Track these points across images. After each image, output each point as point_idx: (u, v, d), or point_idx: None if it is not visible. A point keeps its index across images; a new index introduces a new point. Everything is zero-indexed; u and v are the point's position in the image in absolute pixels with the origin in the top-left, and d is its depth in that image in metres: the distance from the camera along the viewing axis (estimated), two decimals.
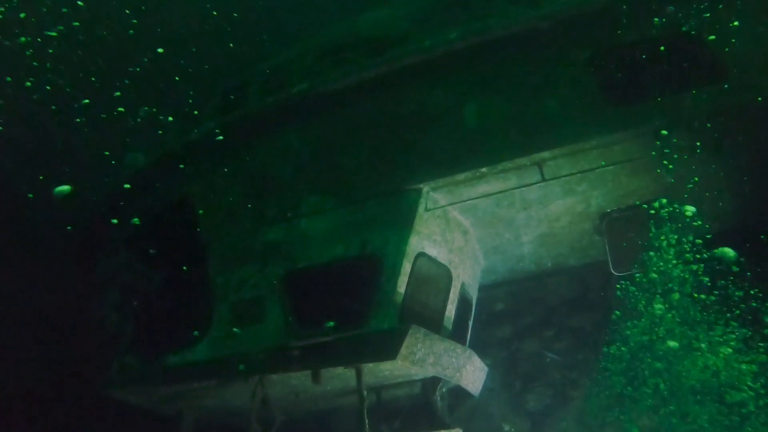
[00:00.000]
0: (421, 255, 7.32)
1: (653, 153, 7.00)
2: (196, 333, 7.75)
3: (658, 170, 7.29)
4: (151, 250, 8.74)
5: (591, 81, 6.91)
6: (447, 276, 7.88)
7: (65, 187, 8.95)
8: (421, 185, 7.37)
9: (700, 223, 7.80)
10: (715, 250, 7.78)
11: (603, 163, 7.14)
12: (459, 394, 8.74)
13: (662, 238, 8.12)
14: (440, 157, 7.30)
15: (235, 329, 7.55)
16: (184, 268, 8.50)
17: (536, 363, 11.05)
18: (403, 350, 6.45)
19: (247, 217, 8.25)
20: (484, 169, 7.15)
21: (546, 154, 6.97)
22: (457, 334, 8.34)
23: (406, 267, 7.09)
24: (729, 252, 7.65)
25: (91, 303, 8.64)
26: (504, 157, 7.03)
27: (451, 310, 7.88)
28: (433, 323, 7.49)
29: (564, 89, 7.02)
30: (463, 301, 8.69)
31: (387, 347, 6.51)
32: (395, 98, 7.73)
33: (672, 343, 8.93)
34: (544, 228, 8.83)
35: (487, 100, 7.31)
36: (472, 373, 7.98)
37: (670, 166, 7.02)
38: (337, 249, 7.47)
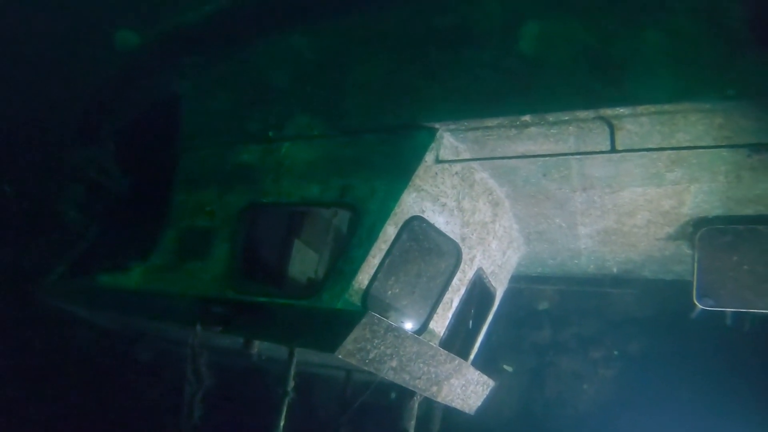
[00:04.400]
0: (415, 219, 5.31)
1: None
2: (136, 256, 6.36)
3: None
4: (127, 150, 7.42)
5: (733, 9, 4.33)
6: (454, 256, 5.83)
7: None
8: (437, 125, 5.25)
9: None
10: None
11: (713, 141, 4.63)
12: None
13: None
14: (470, 91, 5.12)
15: (176, 262, 6.08)
16: (151, 178, 7.10)
17: (569, 386, 8.79)
18: (349, 344, 4.60)
19: (226, 129, 6.60)
20: (527, 117, 4.89)
21: (623, 111, 4.57)
22: (456, 336, 6.36)
23: (389, 231, 5.12)
24: None
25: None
26: (559, 105, 4.73)
27: (450, 302, 5.87)
28: (414, 316, 5.55)
29: (681, 19, 4.50)
30: (478, 294, 6.62)
31: (329, 334, 4.69)
32: (435, 5, 5.59)
33: None
34: (611, 222, 6.41)
35: (557, 21, 4.97)
36: (459, 388, 6.01)
37: None
38: (312, 188, 5.64)
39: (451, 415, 7.59)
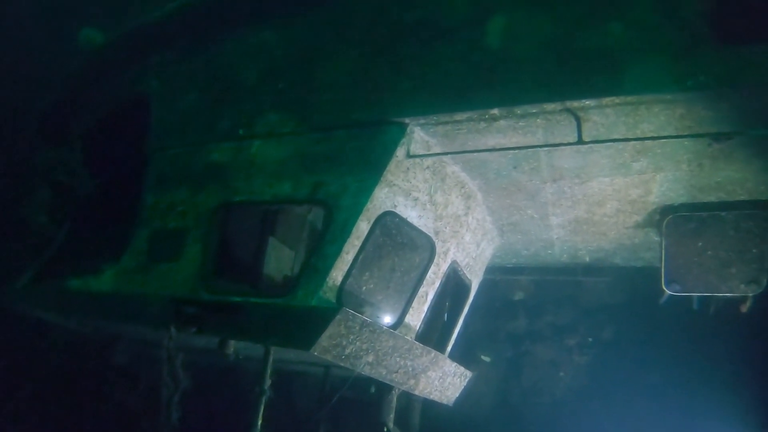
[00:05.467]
0: (388, 214, 5.33)
1: (762, 130, 4.53)
2: (107, 259, 6.26)
3: None
4: (95, 151, 7.27)
5: (690, 2, 4.42)
6: (428, 249, 5.87)
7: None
8: (407, 119, 5.27)
9: None
10: None
11: (675, 132, 4.74)
12: None
13: None
14: (440, 85, 5.14)
15: (148, 263, 6.00)
16: (121, 179, 6.98)
17: (545, 374, 8.94)
18: (324, 341, 4.62)
19: (196, 128, 6.52)
20: (495, 111, 4.93)
21: (589, 103, 4.65)
22: (432, 328, 6.42)
23: (362, 227, 5.14)
24: None
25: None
26: (526, 98, 4.78)
27: (425, 295, 5.92)
28: (390, 310, 5.59)
29: (642, 11, 4.59)
30: (453, 286, 6.69)
31: (304, 332, 4.71)
32: (403, 0, 5.60)
33: None
34: (581, 211, 6.52)
35: (524, 14, 5.01)
36: (437, 380, 6.09)
37: None
38: (285, 186, 5.62)
39: (431, 406, 7.68)
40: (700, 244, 5.90)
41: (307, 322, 4.76)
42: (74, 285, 6.29)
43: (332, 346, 4.72)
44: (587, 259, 8.11)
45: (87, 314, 6.21)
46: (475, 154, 5.53)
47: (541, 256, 8.17)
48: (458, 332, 7.19)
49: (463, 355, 8.18)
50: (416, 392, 5.85)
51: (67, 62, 7.55)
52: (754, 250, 5.59)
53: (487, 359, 9.17)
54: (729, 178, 5.41)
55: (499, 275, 8.89)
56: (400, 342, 5.24)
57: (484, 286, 7.85)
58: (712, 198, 5.79)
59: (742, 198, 5.65)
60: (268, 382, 5.09)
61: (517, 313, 9.49)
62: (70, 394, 7.91)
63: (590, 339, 9.02)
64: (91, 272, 6.24)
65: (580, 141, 4.88)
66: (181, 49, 6.96)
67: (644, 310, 8.47)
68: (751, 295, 5.69)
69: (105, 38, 7.37)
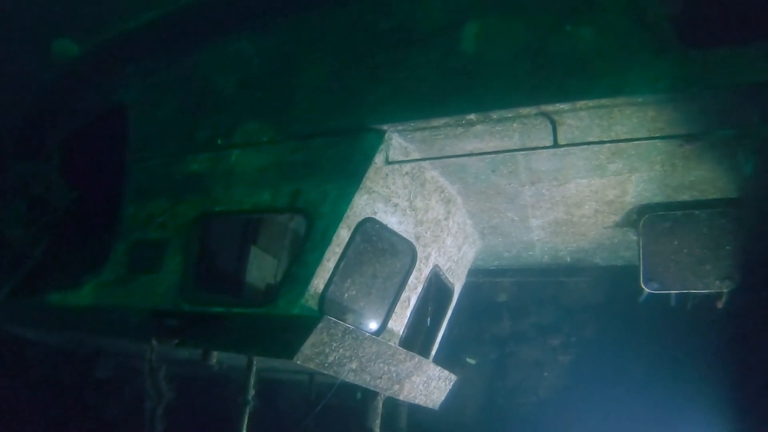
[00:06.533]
0: (368, 221, 5.35)
1: (730, 131, 4.63)
2: (86, 272, 6.19)
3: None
4: (72, 163, 7.18)
5: (657, 7, 4.52)
6: (409, 254, 5.90)
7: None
8: (385, 126, 5.30)
9: None
10: None
11: (648, 133, 4.83)
12: None
13: None
14: (416, 91, 5.18)
15: (128, 276, 5.94)
16: (99, 191, 6.91)
17: (530, 374, 9.01)
18: (307, 349, 4.62)
19: (175, 138, 6.49)
20: (472, 116, 4.98)
21: (563, 107, 4.71)
22: (416, 333, 6.45)
23: (343, 234, 5.15)
24: None
25: None
26: (501, 103, 4.84)
27: (408, 300, 5.94)
28: (373, 316, 5.60)
29: (612, 16, 4.67)
30: (435, 290, 6.73)
31: (286, 341, 4.70)
32: (378, 7, 5.64)
33: None
34: (560, 213, 6.61)
35: (498, 20, 5.08)
36: (422, 385, 6.11)
37: (752, 155, 4.61)
38: (264, 195, 5.61)
39: (417, 411, 7.71)
40: (676, 242, 6.01)
41: (289, 331, 4.75)
42: (53, 300, 6.21)
43: (315, 355, 4.72)
44: (568, 259, 8.22)
45: (67, 329, 6.12)
46: (453, 159, 5.57)
47: (523, 257, 8.26)
48: (443, 336, 7.23)
49: (448, 358, 8.22)
50: (401, 397, 5.87)
51: (40, 74, 7.45)
52: (727, 247, 5.71)
53: (472, 362, 9.22)
54: (701, 178, 5.52)
55: (482, 277, 8.97)
56: (383, 348, 5.25)
57: (468, 288, 7.91)
58: (686, 197, 5.91)
59: (714, 196, 5.78)
60: (251, 392, 5.07)
61: (501, 315, 9.56)
62: (51, 410, 7.79)
63: (573, 338, 9.11)
64: (70, 286, 6.17)
65: (555, 144, 4.95)
66: (158, 59, 6.93)
67: (625, 308, 8.59)
68: (726, 290, 5.80)
69: (79, 49, 7.29)
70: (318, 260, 5.02)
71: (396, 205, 5.60)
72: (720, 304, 5.99)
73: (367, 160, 5.25)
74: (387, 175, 5.44)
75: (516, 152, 5.34)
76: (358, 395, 6.66)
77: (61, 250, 7.33)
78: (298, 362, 4.63)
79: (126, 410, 7.80)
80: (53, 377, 8.03)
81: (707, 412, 7.01)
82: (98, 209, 6.97)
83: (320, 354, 4.75)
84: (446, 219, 6.36)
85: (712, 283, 5.81)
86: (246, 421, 5.00)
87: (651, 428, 7.62)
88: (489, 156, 5.49)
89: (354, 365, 5.07)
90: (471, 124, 5.08)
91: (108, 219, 6.70)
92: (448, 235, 6.47)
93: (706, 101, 4.39)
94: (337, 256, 5.14)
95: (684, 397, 7.38)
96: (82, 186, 7.31)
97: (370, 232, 5.41)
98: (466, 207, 6.61)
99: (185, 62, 6.75)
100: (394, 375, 5.53)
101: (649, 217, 6.08)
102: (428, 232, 6.08)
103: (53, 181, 7.15)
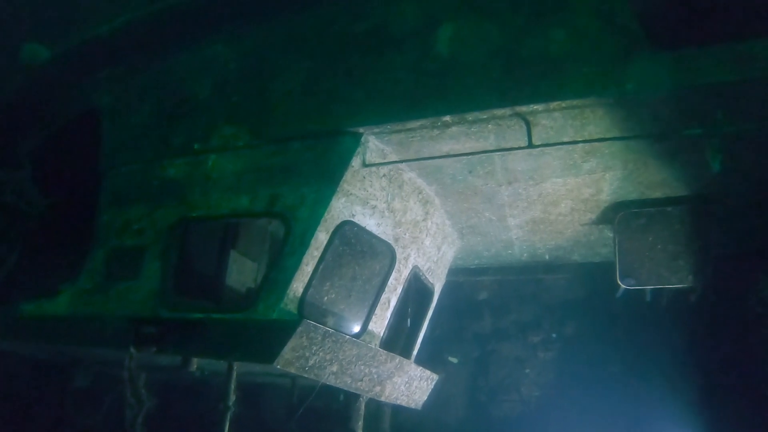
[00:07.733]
0: (347, 224, 5.37)
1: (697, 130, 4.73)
2: (62, 281, 6.10)
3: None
4: (45, 170, 7.07)
5: (625, 8, 4.60)
6: (388, 256, 5.92)
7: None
8: (361, 129, 5.32)
9: None
10: None
11: (620, 133, 4.92)
12: None
13: None
14: (392, 94, 5.20)
15: (105, 283, 5.87)
16: (74, 198, 6.81)
17: (512, 371, 9.10)
18: (287, 353, 4.63)
19: (150, 143, 6.42)
20: (447, 118, 5.02)
21: (537, 108, 4.78)
22: (397, 334, 6.48)
23: (321, 238, 5.16)
24: None
25: None
26: (476, 104, 4.88)
27: (388, 301, 5.97)
28: (353, 319, 5.62)
29: (582, 18, 4.75)
30: (415, 291, 6.77)
31: (266, 345, 4.70)
32: (352, 10, 5.65)
33: None
34: (538, 212, 6.69)
35: (471, 23, 5.13)
36: (403, 386, 6.15)
37: (718, 152, 4.70)
38: (242, 200, 5.59)
39: (400, 411, 7.75)
40: (650, 238, 6.13)
41: (268, 336, 4.75)
42: (27, 310, 6.11)
43: (295, 358, 4.72)
44: (547, 257, 8.33)
45: (43, 339, 6.03)
46: (430, 160, 5.61)
47: (502, 256, 8.34)
48: (424, 335, 7.27)
49: (430, 358, 8.28)
50: (383, 398, 5.90)
51: (9, 78, 7.31)
52: (698, 243, 5.84)
53: (454, 360, 9.29)
54: (672, 175, 5.64)
55: (462, 276, 9.04)
56: (363, 350, 5.27)
57: (449, 287, 7.96)
58: (658, 194, 6.03)
59: (685, 193, 5.90)
60: (232, 398, 5.06)
61: (482, 313, 9.64)
62: (28, 422, 7.66)
63: (554, 335, 9.22)
64: (46, 296, 6.07)
65: (530, 145, 5.01)
66: (131, 63, 6.84)
67: (603, 304, 8.73)
68: (698, 285, 5.93)
69: (50, 53, 7.16)
70: (297, 264, 5.03)
71: (374, 207, 5.62)
72: (692, 298, 6.12)
73: (344, 163, 5.27)
74: (364, 177, 5.46)
75: (492, 153, 5.39)
76: (341, 397, 6.66)
77: (36, 258, 7.21)
78: (279, 366, 4.63)
79: (106, 419, 7.70)
80: (29, 388, 7.88)
81: (681, 406, 7.18)
82: (73, 216, 6.87)
83: (300, 358, 4.76)
84: (425, 220, 6.40)
85: (685, 278, 5.94)
86: (227, 427, 4.98)
87: (628, 421, 7.77)
88: (466, 157, 5.54)
89: (335, 368, 5.08)
90: (447, 125, 5.12)
91: (84, 226, 6.61)
92: (426, 235, 6.51)
93: (674, 101, 4.49)
94: (316, 260, 5.15)
95: (659, 390, 7.54)
96: (56, 193, 7.20)
97: (348, 234, 5.43)
98: (444, 208, 6.66)
99: (160, 67, 6.68)
100: (375, 376, 5.56)
101: (623, 215, 6.18)
102: (407, 234, 6.11)
103: (26, 189, 7.02)
